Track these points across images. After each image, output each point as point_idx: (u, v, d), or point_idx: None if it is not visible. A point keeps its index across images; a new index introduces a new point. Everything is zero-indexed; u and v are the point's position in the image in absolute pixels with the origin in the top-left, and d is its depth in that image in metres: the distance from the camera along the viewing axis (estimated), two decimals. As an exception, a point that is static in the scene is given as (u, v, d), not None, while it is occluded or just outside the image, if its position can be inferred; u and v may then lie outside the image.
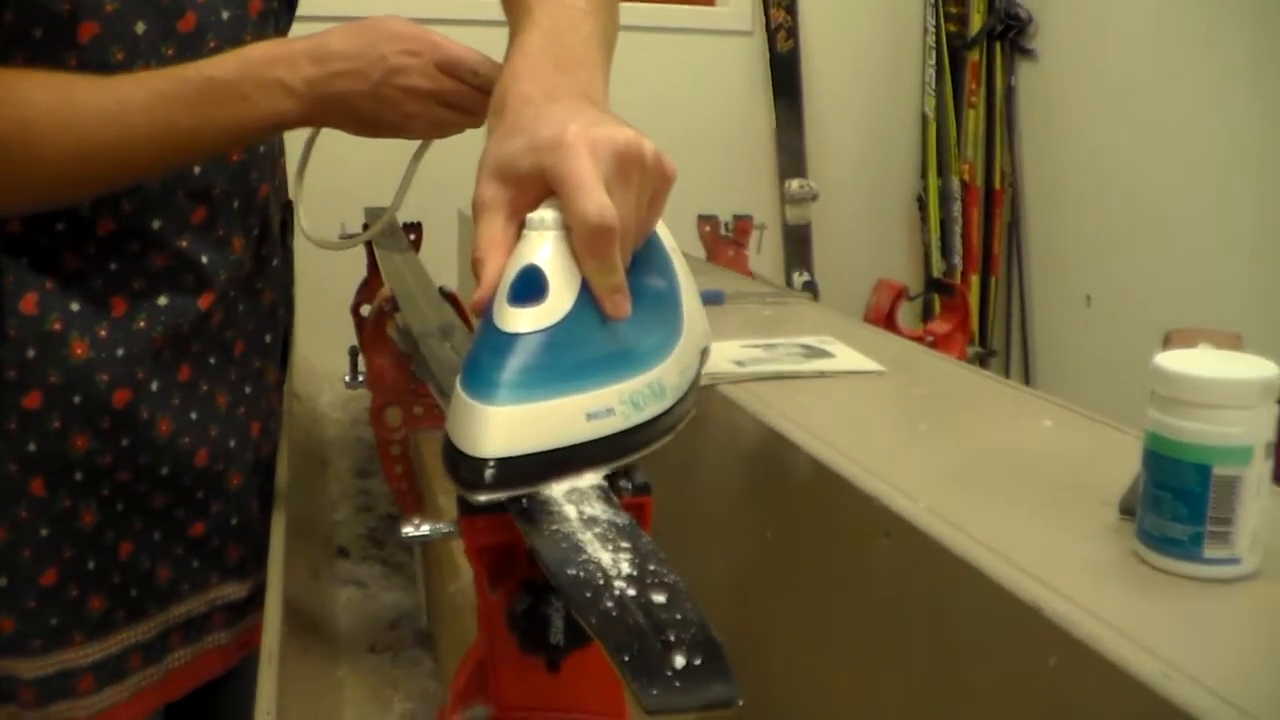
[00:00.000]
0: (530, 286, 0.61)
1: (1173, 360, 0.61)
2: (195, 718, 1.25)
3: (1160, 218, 2.94)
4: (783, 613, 0.83)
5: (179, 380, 1.04)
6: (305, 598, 1.16)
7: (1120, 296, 3.10)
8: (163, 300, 1.01)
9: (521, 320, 0.60)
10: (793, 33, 3.34)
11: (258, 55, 0.91)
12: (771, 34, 3.31)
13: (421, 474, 1.36)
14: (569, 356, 0.60)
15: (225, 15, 0.98)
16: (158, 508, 1.06)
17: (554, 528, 0.56)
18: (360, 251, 1.89)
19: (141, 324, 1.00)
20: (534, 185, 0.63)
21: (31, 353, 0.96)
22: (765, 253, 2.62)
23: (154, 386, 1.02)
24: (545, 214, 0.62)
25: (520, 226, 0.63)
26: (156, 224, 0.99)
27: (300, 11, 1.14)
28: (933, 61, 3.43)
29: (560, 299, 0.61)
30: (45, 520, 0.99)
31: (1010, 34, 3.41)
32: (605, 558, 0.52)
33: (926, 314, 3.25)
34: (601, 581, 0.50)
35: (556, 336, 0.60)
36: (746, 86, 3.35)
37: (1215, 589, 0.59)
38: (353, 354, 1.43)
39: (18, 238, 0.96)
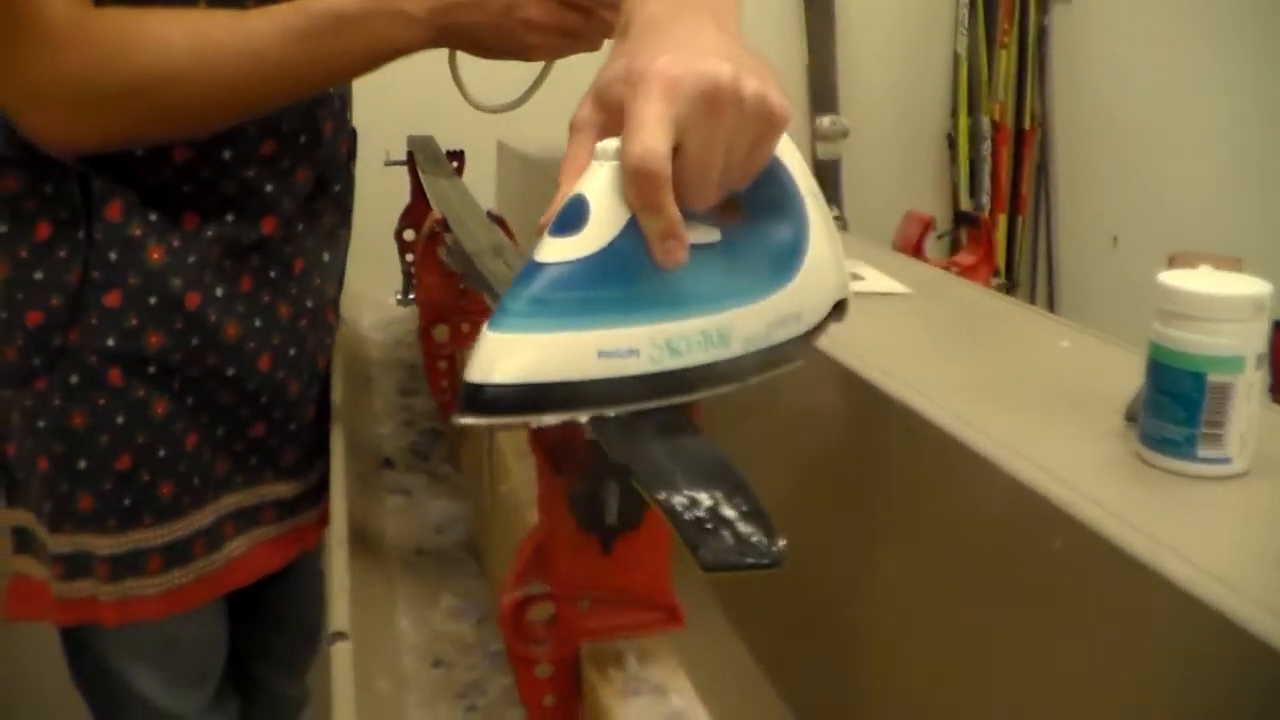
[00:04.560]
0: (572, 217, 0.59)
1: (1174, 278, 0.67)
2: (253, 607, 1.34)
3: (1188, 161, 2.96)
4: (805, 511, 0.90)
5: (242, 290, 1.11)
6: (354, 505, 1.22)
7: (1146, 239, 3.12)
8: (229, 217, 1.09)
9: (551, 250, 0.59)
10: (828, -30, 3.35)
11: None
12: (806, -30, 3.33)
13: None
14: (596, 291, 0.59)
15: None
16: (224, 404, 1.14)
17: (618, 421, 0.61)
18: (401, 179, 1.94)
19: (209, 234, 1.08)
20: (621, 113, 0.60)
21: (114, 255, 1.03)
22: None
23: (218, 292, 1.10)
24: (610, 144, 0.60)
25: None
26: (228, 154, 1.06)
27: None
28: (966, 1, 3.44)
29: (599, 232, 0.59)
30: (121, 408, 1.07)
31: (1045, -26, 3.41)
32: (664, 447, 0.58)
33: (953, 251, 3.28)
34: (667, 464, 0.56)
35: (585, 269, 0.58)
36: (780, 22, 3.35)
37: (1207, 485, 0.66)
38: (405, 273, 1.48)
39: (102, 158, 1.02)
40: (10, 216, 1.04)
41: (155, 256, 1.05)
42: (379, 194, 2.02)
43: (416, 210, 1.73)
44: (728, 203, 0.65)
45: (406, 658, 1.01)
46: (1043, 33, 3.45)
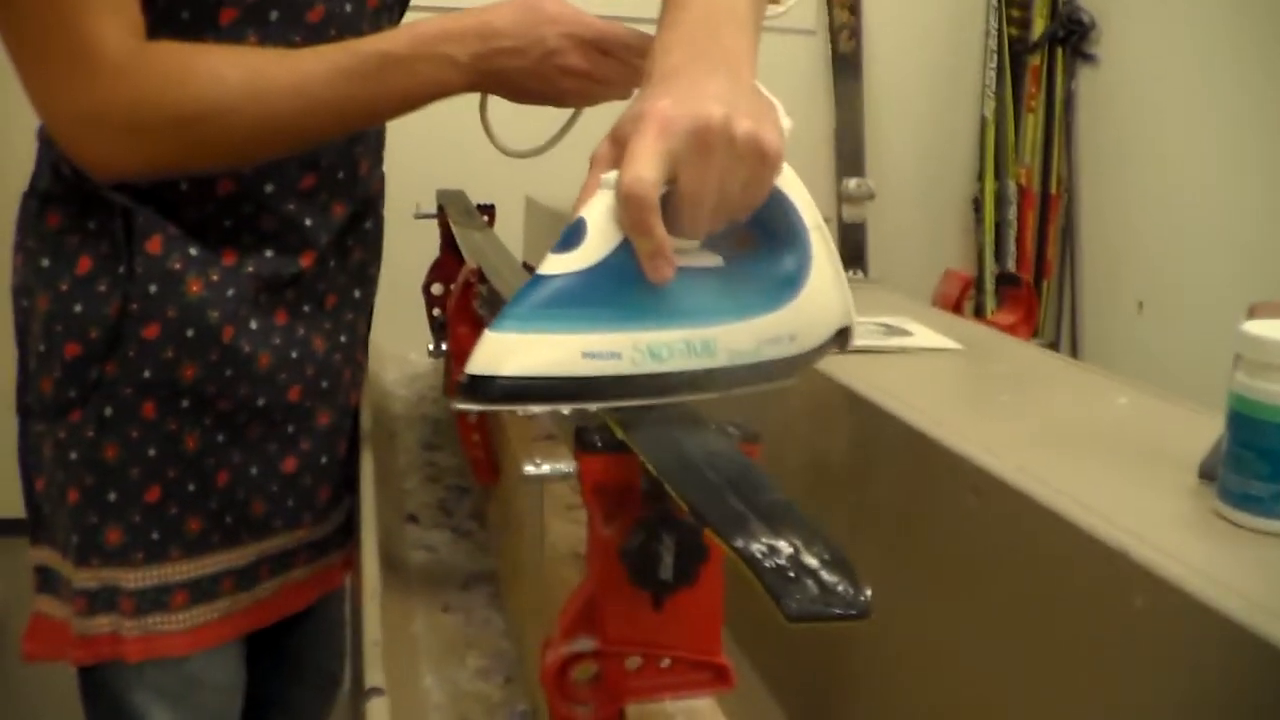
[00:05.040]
0: (572, 236, 0.67)
1: (1260, 328, 0.64)
2: (272, 652, 1.32)
3: (1215, 227, 2.94)
4: (865, 569, 0.87)
5: (276, 323, 1.13)
6: (377, 556, 1.20)
7: (1172, 304, 3.10)
8: (269, 254, 1.11)
9: (551, 264, 0.66)
10: (855, 33, 3.37)
11: (429, 31, 0.99)
12: (834, 33, 3.34)
13: (501, 444, 1.40)
14: (587, 300, 0.66)
15: (348, 8, 1.07)
16: (252, 439, 1.14)
17: (684, 468, 0.59)
18: (430, 233, 1.93)
19: (249, 269, 1.09)
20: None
21: (154, 288, 1.04)
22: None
23: (253, 325, 1.11)
24: (612, 175, 0.67)
25: None
26: (269, 188, 1.08)
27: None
28: (993, 64, 3.45)
29: (593, 250, 0.66)
30: (154, 441, 1.08)
31: (1072, 39, 3.42)
32: (735, 495, 0.56)
33: (979, 314, 3.27)
34: (740, 510, 0.53)
35: (579, 281, 0.66)
36: (808, 85, 3.37)
37: (1294, 544, 0.63)
38: (437, 326, 1.47)
39: (146, 192, 1.04)
40: (52, 251, 1.06)
41: (194, 290, 1.06)
42: (402, 249, 2.01)
43: (446, 264, 1.72)
44: (740, 233, 0.74)
45: (432, 716, 0.99)
46: (1069, 97, 3.46)
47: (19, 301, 1.10)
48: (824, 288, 0.75)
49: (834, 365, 0.95)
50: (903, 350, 1.00)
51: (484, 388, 0.64)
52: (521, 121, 1.07)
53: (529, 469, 0.68)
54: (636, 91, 0.75)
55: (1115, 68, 3.37)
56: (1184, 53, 3.07)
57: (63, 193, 1.05)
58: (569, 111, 1.13)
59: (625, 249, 0.67)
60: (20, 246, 1.10)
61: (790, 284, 0.74)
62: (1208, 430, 0.81)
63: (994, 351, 1.07)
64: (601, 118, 0.85)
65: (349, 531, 1.30)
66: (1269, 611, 0.53)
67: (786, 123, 0.75)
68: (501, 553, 1.35)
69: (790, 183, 0.75)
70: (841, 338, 0.78)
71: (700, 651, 0.70)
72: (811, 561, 0.49)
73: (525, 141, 1.13)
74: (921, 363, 0.99)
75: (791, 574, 0.48)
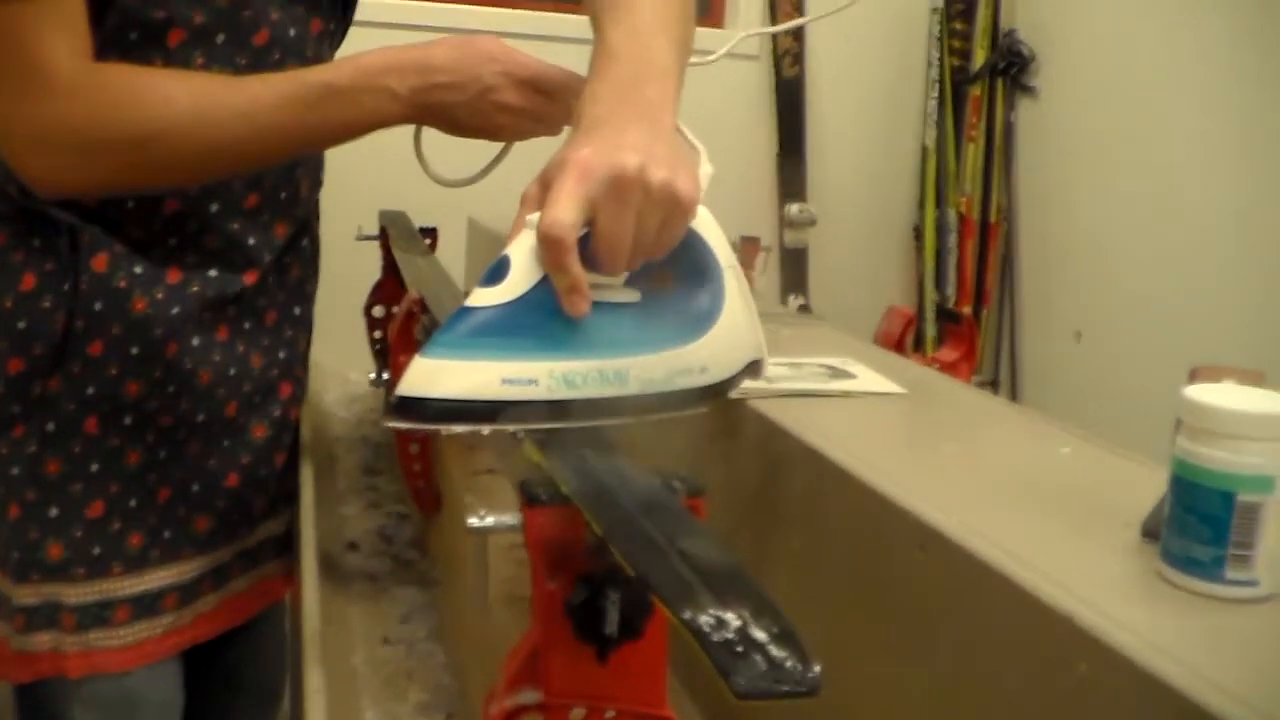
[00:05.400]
0: (497, 272, 0.74)
1: (1201, 393, 0.65)
2: (211, 666, 1.33)
3: (1153, 259, 2.98)
4: (810, 623, 0.87)
5: (218, 339, 1.15)
6: (318, 587, 1.19)
7: (1110, 334, 3.14)
8: (213, 273, 1.13)
9: (476, 297, 0.73)
10: (799, 59, 3.38)
11: (371, 64, 1.02)
12: (778, 59, 3.35)
13: (442, 474, 1.38)
14: (509, 331, 0.73)
15: (292, 33, 1.10)
16: (193, 454, 1.17)
17: (625, 521, 0.59)
18: (367, 254, 1.92)
19: (194, 289, 1.12)
20: None
21: (99, 305, 1.07)
22: (765, 273, 2.66)
23: (195, 341, 1.14)
24: (535, 216, 0.73)
25: None
26: (215, 207, 1.11)
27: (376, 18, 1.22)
28: (935, 94, 3.47)
29: (514, 286, 0.73)
30: (96, 456, 1.11)
31: (1012, 70, 3.45)
32: (681, 559, 0.55)
33: (918, 343, 3.29)
34: (687, 577, 0.53)
35: (501, 314, 0.73)
36: (751, 110, 3.38)
37: (1235, 608, 0.63)
38: (378, 351, 1.46)
39: (92, 210, 1.07)
40: None
41: (140, 307, 1.09)
42: (346, 269, 2.00)
43: (388, 286, 1.71)
44: (658, 272, 0.80)
45: (373, 754, 0.98)
46: (1009, 128, 3.49)
47: None
48: (736, 323, 0.82)
49: (779, 410, 0.95)
50: (846, 394, 1.01)
51: (413, 408, 0.71)
52: (456, 150, 1.10)
53: (473, 521, 0.67)
54: (567, 129, 0.82)
55: (1054, 99, 3.41)
56: (1121, 85, 3.11)
57: (7, 211, 1.07)
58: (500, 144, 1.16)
59: (545, 285, 0.73)
60: None
61: (704, 319, 0.81)
62: (1149, 484, 0.82)
63: (937, 395, 1.07)
64: (537, 148, 0.88)
65: (287, 543, 1.32)
66: (1211, 682, 0.54)
67: (708, 169, 0.82)
68: (443, 585, 1.34)
69: (706, 225, 0.81)
70: (753, 369, 0.85)
71: (645, 704, 0.70)
72: (760, 635, 0.48)
73: (457, 170, 1.16)
74: (866, 407, 0.99)
75: (740, 648, 0.48)
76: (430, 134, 1.13)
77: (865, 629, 0.81)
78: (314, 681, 0.82)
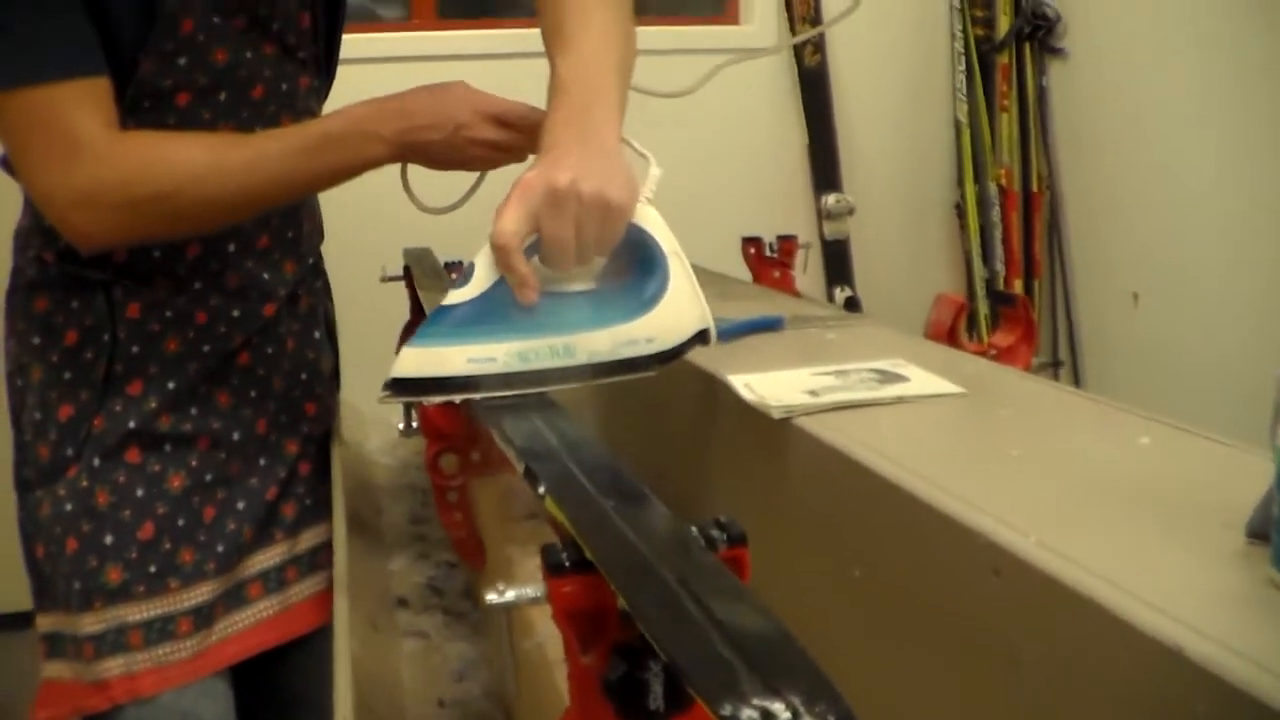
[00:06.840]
0: (465, 275, 0.93)
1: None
2: (266, 689, 1.37)
3: (1206, 210, 2.88)
4: (876, 660, 0.79)
5: (239, 364, 1.30)
6: (366, 651, 1.13)
7: (1168, 293, 3.04)
8: (236, 313, 1.28)
9: (450, 297, 0.92)
10: (820, 47, 3.31)
11: (360, 114, 1.16)
12: (798, 50, 3.28)
13: (481, 523, 1.32)
14: (474, 321, 0.91)
15: (284, 88, 1.25)
16: (233, 474, 1.29)
17: (653, 589, 0.53)
18: (401, 295, 1.87)
19: (221, 330, 1.27)
20: None
21: (136, 349, 1.23)
22: (806, 270, 2.58)
23: (224, 372, 1.28)
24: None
25: None
26: (231, 247, 1.26)
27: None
28: (962, 67, 3.38)
29: (477, 285, 0.92)
30: (140, 482, 1.23)
31: (1039, 34, 3.36)
32: (720, 634, 0.48)
33: (971, 325, 3.20)
34: (728, 659, 0.46)
35: (467, 308, 0.91)
36: (776, 104, 3.31)
37: (1366, 618, 0.55)
38: (406, 403, 1.40)
39: (123, 265, 1.21)
40: (41, 330, 1.23)
41: (172, 348, 1.24)
42: (383, 309, 1.95)
43: (417, 325, 1.66)
44: (612, 264, 0.98)
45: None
46: (1042, 93, 3.40)
47: (13, 383, 1.26)
48: (680, 300, 0.97)
49: (828, 427, 0.88)
50: (900, 400, 0.93)
51: (397, 386, 0.92)
52: (440, 182, 1.25)
53: (491, 597, 0.60)
54: (532, 157, 0.99)
55: (1085, 59, 3.32)
56: (1151, 38, 3.01)
57: (46, 279, 1.22)
58: (476, 174, 1.31)
59: (503, 282, 0.92)
60: (11, 332, 1.26)
61: (651, 300, 0.96)
62: (1243, 472, 0.73)
63: (997, 391, 0.99)
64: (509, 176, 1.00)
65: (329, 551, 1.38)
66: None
67: (656, 172, 0.99)
68: (497, 635, 1.27)
69: (651, 219, 0.97)
70: (701, 336, 0.99)
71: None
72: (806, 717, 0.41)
73: (442, 199, 1.31)
74: (922, 413, 0.91)
75: None
76: (415, 170, 1.25)
77: (936, 666, 0.73)
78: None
